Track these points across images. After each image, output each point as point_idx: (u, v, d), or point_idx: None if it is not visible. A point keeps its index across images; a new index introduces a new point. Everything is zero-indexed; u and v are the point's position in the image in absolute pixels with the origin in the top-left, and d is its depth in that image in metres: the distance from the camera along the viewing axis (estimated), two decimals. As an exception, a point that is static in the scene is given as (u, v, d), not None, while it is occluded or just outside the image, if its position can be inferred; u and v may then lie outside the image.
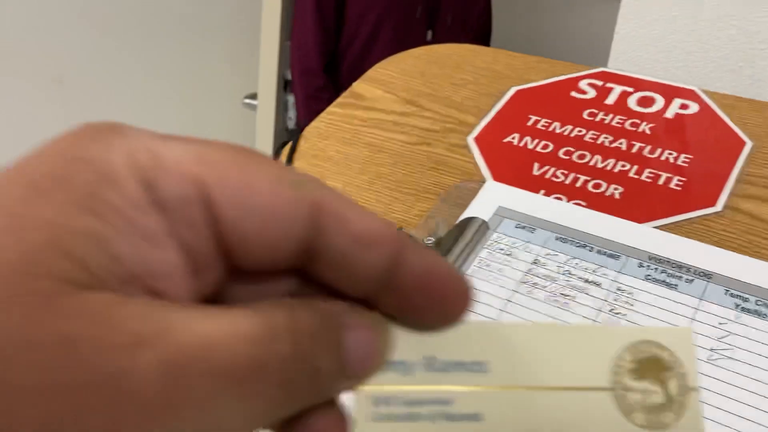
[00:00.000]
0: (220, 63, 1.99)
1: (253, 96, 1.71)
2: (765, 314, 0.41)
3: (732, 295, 0.42)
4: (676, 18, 0.79)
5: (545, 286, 0.44)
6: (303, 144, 0.60)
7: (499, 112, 0.61)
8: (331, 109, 0.64)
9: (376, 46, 1.51)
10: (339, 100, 0.65)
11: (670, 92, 0.60)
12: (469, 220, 0.49)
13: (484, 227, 0.48)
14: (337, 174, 0.57)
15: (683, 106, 0.59)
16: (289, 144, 0.60)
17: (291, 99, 1.65)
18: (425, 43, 1.54)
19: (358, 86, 0.67)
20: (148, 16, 1.89)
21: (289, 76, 1.57)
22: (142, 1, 1.85)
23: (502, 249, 0.47)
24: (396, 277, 0.18)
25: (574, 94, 0.62)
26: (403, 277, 0.18)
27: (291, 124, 1.62)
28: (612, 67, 0.82)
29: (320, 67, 1.49)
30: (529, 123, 0.59)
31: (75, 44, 1.79)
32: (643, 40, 0.82)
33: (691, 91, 0.60)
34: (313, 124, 0.63)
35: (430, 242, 0.47)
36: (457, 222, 0.49)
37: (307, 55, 1.48)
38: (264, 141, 1.62)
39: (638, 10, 0.82)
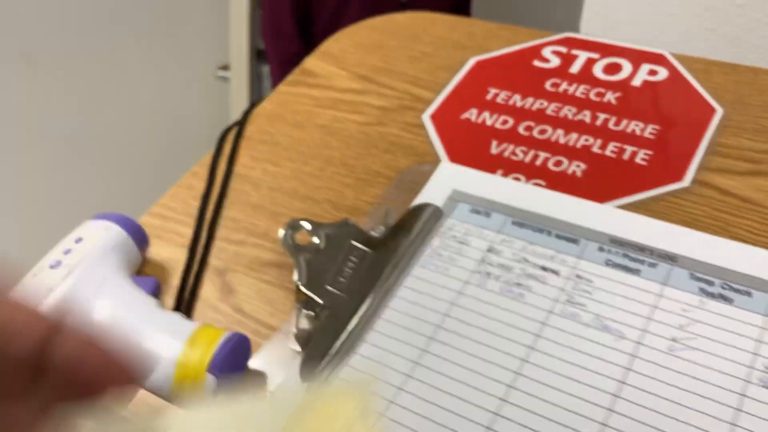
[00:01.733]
0: (191, 34, 1.95)
1: (226, 67, 1.68)
2: (731, 299, 0.39)
3: (697, 279, 0.40)
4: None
5: (499, 276, 0.42)
6: (250, 128, 0.58)
7: (456, 86, 0.58)
8: (281, 88, 0.61)
9: (349, 8, 1.47)
10: (289, 78, 0.62)
11: (638, 57, 0.57)
12: (421, 206, 0.46)
13: (437, 213, 0.46)
14: (286, 160, 0.54)
15: (652, 72, 0.56)
16: (234, 128, 0.57)
17: (266, 69, 1.61)
18: (399, 6, 1.50)
19: (309, 62, 0.64)
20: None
21: (262, 46, 1.53)
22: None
23: (455, 236, 0.45)
24: (47, 362, 0.19)
25: (536, 63, 0.59)
26: (55, 362, 0.19)
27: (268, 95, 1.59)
28: (584, 31, 0.79)
29: (295, 31, 1.44)
30: (488, 97, 0.56)
31: (43, 19, 1.74)
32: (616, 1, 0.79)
33: (661, 56, 0.57)
34: (262, 105, 0.60)
35: (379, 232, 0.45)
36: (409, 209, 0.46)
37: (280, 17, 1.43)
38: (238, 113, 1.59)
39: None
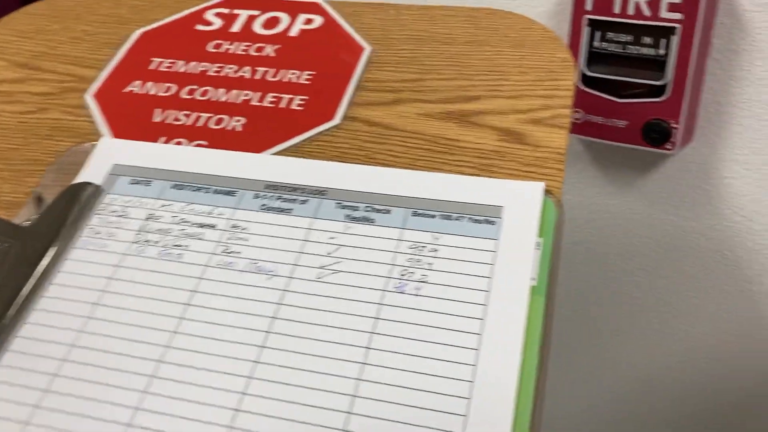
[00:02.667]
0: None
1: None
2: (372, 219, 0.41)
3: (343, 207, 0.42)
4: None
5: (158, 241, 0.42)
6: None
7: (120, 61, 0.56)
8: (-73, 90, 0.56)
9: None
10: (-63, 78, 0.57)
11: (294, 9, 0.59)
12: (76, 187, 0.44)
13: (94, 192, 0.44)
14: (-64, 165, 0.50)
15: (307, 21, 0.57)
16: None
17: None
18: None
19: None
20: None
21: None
22: None
23: (114, 211, 0.44)
24: None
25: (199, 27, 0.58)
26: None
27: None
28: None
29: None
30: (152, 67, 0.55)
31: None
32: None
33: (316, 4, 0.59)
34: None
35: (29, 221, 0.42)
36: (61, 192, 0.44)
37: None
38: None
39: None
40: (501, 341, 0.35)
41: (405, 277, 0.39)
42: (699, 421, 0.83)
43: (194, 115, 0.51)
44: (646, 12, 0.57)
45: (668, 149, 0.61)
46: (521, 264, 0.38)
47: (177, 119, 0.50)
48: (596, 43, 0.60)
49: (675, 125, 0.59)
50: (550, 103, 0.48)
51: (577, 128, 0.65)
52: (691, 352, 0.78)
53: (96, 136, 0.50)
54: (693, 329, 0.76)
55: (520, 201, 0.41)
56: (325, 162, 0.45)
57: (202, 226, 0.42)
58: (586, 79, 0.62)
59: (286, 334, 0.37)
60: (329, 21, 0.57)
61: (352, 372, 0.35)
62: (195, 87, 0.53)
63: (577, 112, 0.64)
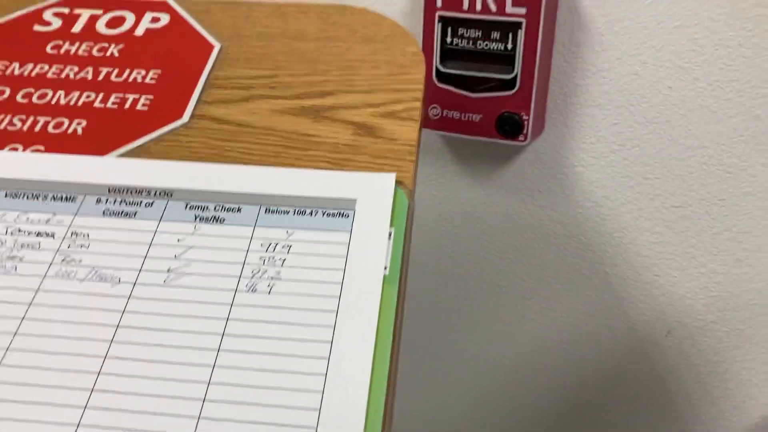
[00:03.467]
0: None
1: None
2: (223, 219, 0.40)
3: (192, 207, 0.41)
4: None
5: (-9, 255, 0.38)
6: None
7: (-53, 65, 0.52)
8: None
9: None
10: None
11: (141, 8, 0.56)
12: None
13: None
14: None
15: (154, 20, 0.55)
16: None
17: None
18: None
19: None
20: None
21: None
22: None
23: (-60, 224, 0.40)
24: None
25: (37, 27, 0.55)
26: None
27: None
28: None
29: None
30: (-16, 70, 0.51)
31: None
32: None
33: (164, 3, 0.57)
34: None
35: None
36: None
37: None
38: None
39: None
40: (354, 332, 0.34)
41: (257, 276, 0.37)
42: (566, 403, 0.86)
43: (31, 119, 0.47)
44: (493, 8, 0.58)
45: (521, 141, 0.63)
46: (374, 254, 0.38)
47: (12, 124, 0.47)
48: (448, 40, 0.61)
49: (526, 117, 0.61)
50: (402, 96, 0.48)
51: (434, 124, 0.65)
52: (555, 335, 0.81)
53: None
54: (556, 313, 0.79)
55: (373, 193, 0.41)
56: (171, 162, 0.43)
57: (39, 234, 0.39)
58: (440, 75, 0.63)
59: (131, 342, 0.35)
60: (177, 19, 0.55)
61: (202, 376, 0.33)
62: (32, 90, 0.49)
63: (434, 108, 0.64)
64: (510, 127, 0.61)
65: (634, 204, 0.69)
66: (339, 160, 0.44)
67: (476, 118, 0.62)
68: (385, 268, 0.37)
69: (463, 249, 0.77)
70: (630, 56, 0.62)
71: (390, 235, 0.38)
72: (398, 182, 0.41)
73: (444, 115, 0.64)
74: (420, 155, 0.73)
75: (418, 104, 0.47)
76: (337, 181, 0.42)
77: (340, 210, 0.40)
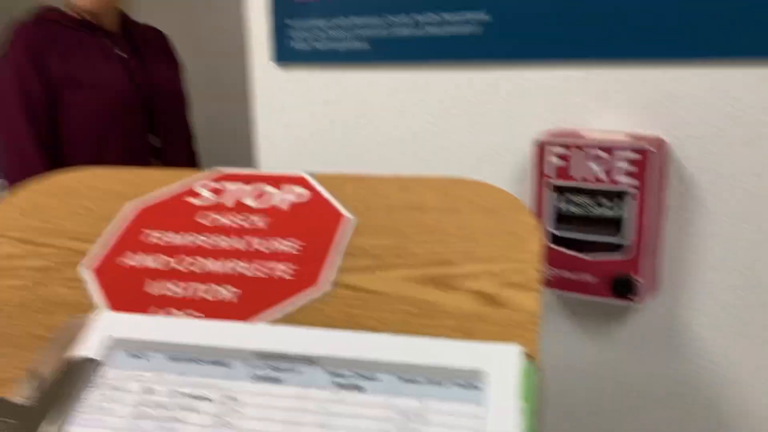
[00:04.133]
0: None
1: None
2: (360, 386, 0.43)
3: (331, 374, 0.44)
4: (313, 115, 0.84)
5: (154, 415, 0.42)
6: None
7: (115, 235, 0.59)
8: (-71, 268, 0.58)
9: (105, 158, 1.50)
10: (-60, 256, 0.59)
11: (281, 182, 0.63)
12: (75, 362, 0.46)
13: (93, 366, 0.45)
14: (-66, 342, 0.50)
15: (293, 194, 0.61)
16: None
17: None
18: (150, 147, 1.55)
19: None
20: None
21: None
22: None
23: (112, 385, 0.45)
24: None
25: (190, 199, 0.62)
26: None
27: None
28: (263, 166, 0.85)
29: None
30: (145, 239, 0.57)
31: None
32: (285, 139, 0.86)
33: (301, 178, 0.63)
34: None
35: (27, 399, 0.43)
36: (60, 368, 0.45)
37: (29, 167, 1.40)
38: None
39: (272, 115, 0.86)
40: (491, 507, 0.36)
41: (395, 444, 0.39)
42: None
43: (186, 285, 0.53)
44: (603, 177, 0.61)
45: (634, 301, 0.64)
46: (506, 427, 0.39)
47: (170, 290, 0.52)
48: (560, 206, 0.64)
49: (639, 279, 0.63)
50: (522, 266, 0.51)
51: (548, 283, 0.68)
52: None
53: (93, 308, 0.52)
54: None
55: (502, 365, 0.43)
56: (313, 329, 0.47)
57: (197, 398, 0.43)
58: (554, 238, 0.66)
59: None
60: (314, 193, 0.61)
61: None
62: (186, 258, 0.55)
63: (548, 268, 0.67)
64: (623, 288, 0.63)
65: (750, 361, 0.67)
66: (465, 328, 0.47)
67: (590, 278, 0.64)
68: (518, 442, 0.38)
69: (575, 405, 0.77)
70: (741, 221, 0.63)
71: (521, 410, 0.40)
72: (526, 355, 0.43)
73: (558, 275, 0.66)
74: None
75: (538, 274, 0.50)
76: (466, 351, 0.44)
77: (471, 381, 0.42)
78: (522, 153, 0.71)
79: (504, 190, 0.58)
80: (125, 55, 1.62)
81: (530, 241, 0.53)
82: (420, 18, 0.73)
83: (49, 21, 1.50)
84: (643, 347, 0.71)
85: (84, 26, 1.55)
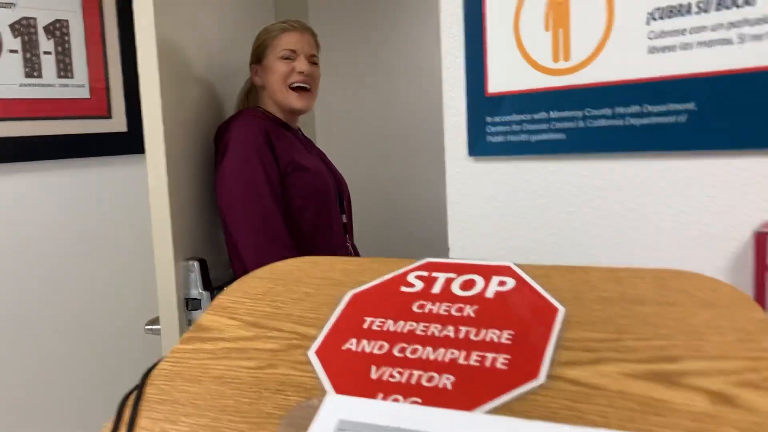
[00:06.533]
0: (116, 293, 1.96)
1: (155, 321, 1.67)
2: (592, 485, 0.41)
3: (560, 470, 0.42)
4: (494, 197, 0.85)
5: (386, 500, 0.43)
6: (149, 390, 0.58)
7: (336, 320, 0.61)
8: (177, 347, 0.63)
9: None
10: (184, 336, 0.64)
11: (488, 271, 0.63)
12: (309, 442, 0.47)
13: (324, 446, 0.47)
14: (183, 416, 0.55)
15: (501, 283, 0.61)
16: (133, 393, 0.58)
17: (195, 315, 1.61)
18: (341, 225, 1.68)
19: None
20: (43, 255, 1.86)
21: (193, 295, 1.55)
22: (37, 239, 1.84)
23: (343, 466, 0.46)
24: None
25: (404, 288, 0.63)
26: None
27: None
28: (453, 255, 0.86)
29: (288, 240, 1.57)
30: (365, 325, 0.60)
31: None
32: (474, 224, 0.87)
33: (508, 267, 0.63)
34: (160, 365, 0.61)
35: (270, 475, 0.45)
36: (297, 447, 0.47)
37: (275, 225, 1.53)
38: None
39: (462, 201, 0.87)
40: None
41: None
42: None
43: (407, 372, 0.54)
44: (835, 269, 0.56)
45: None
46: None
47: (392, 376, 0.54)
48: (784, 298, 0.59)
49: None
50: (758, 365, 0.47)
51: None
52: None
53: (319, 390, 0.54)
54: None
55: (746, 471, 0.39)
56: (536, 422, 0.46)
57: (426, 485, 0.43)
58: (776, 333, 0.60)
59: None
60: (521, 282, 0.61)
61: None
62: (405, 345, 0.56)
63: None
64: None
65: None
66: (698, 429, 0.44)
67: (822, 379, 0.58)
68: None
69: None
70: None
71: None
72: (771, 460, 0.40)
73: (781, 373, 0.60)
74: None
75: (774, 374, 0.46)
76: (704, 454, 0.41)
77: (713, 486, 0.39)
78: (736, 243, 0.67)
79: (726, 284, 0.55)
80: (313, 149, 1.78)
81: (764, 340, 0.49)
82: (622, 110, 0.73)
83: (257, 117, 1.65)
84: None
85: (279, 123, 1.70)
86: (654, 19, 0.68)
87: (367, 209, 2.44)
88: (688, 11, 0.66)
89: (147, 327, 1.63)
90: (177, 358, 0.62)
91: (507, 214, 0.85)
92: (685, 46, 0.67)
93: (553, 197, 0.81)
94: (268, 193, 1.53)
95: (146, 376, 0.60)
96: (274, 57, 1.68)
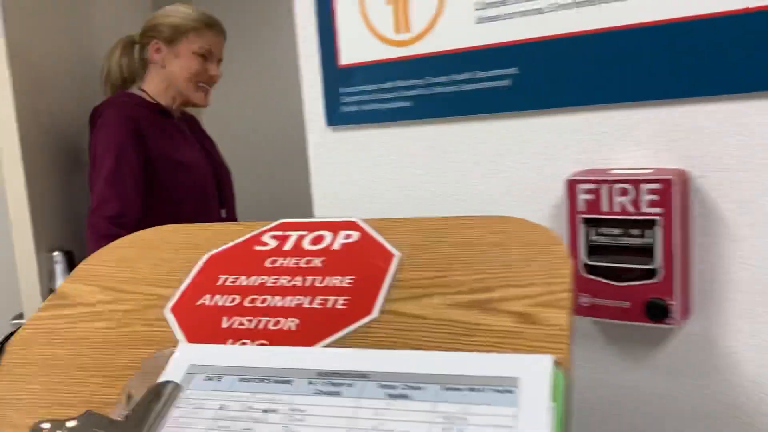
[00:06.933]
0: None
1: (20, 315, 1.63)
2: (409, 396, 0.47)
3: (383, 387, 0.48)
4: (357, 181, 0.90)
5: (229, 427, 0.47)
6: (7, 357, 0.60)
7: (192, 280, 0.65)
8: (35, 314, 0.65)
9: (182, 215, 1.60)
10: (43, 304, 0.66)
11: (336, 227, 0.68)
12: (160, 385, 0.51)
13: (175, 389, 0.51)
14: (41, 376, 0.57)
15: (347, 236, 0.66)
16: (-10, 359, 0.59)
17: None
18: (221, 219, 1.67)
19: (62, 286, 0.68)
20: None
21: (56, 285, 1.52)
22: None
23: (192, 403, 0.49)
24: None
25: (257, 247, 0.67)
26: None
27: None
28: (317, 215, 0.91)
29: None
30: (219, 283, 0.63)
31: None
32: (337, 193, 0.92)
33: (353, 222, 0.68)
34: (18, 334, 0.63)
35: (122, 416, 0.48)
36: (148, 390, 0.50)
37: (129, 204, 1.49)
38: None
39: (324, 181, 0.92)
40: (526, 493, 0.39)
41: (440, 444, 0.43)
42: None
43: (256, 319, 0.58)
44: (630, 208, 0.65)
45: (669, 324, 0.66)
46: (538, 426, 0.42)
47: (242, 324, 0.58)
48: (592, 237, 0.68)
49: (671, 302, 0.65)
50: (553, 289, 0.54)
51: (586, 311, 0.70)
52: None
53: (173, 343, 0.58)
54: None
55: (534, 373, 0.46)
56: (366, 350, 0.51)
57: (266, 411, 0.48)
58: (588, 268, 0.69)
59: (340, 500, 0.41)
60: (365, 235, 0.66)
61: None
62: (255, 296, 0.60)
63: (585, 296, 0.70)
64: (657, 312, 0.65)
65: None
66: (503, 344, 0.50)
67: (625, 304, 0.67)
68: (550, 437, 0.41)
69: (618, 426, 0.78)
70: (763, 246, 0.65)
71: (551, 409, 0.43)
72: (556, 363, 0.46)
73: (594, 303, 0.69)
74: (575, 340, 0.77)
75: (567, 295, 0.53)
76: (503, 362, 0.47)
77: (507, 387, 0.46)
78: (557, 193, 0.75)
79: (540, 225, 0.62)
80: (193, 137, 1.76)
81: (562, 268, 0.56)
82: (456, 77, 0.79)
83: (133, 105, 1.63)
84: (681, 368, 0.72)
85: (158, 111, 1.68)
86: (480, -8, 0.75)
87: (246, 197, 2.44)
88: (507, -16, 0.73)
89: (13, 321, 1.59)
90: (35, 326, 0.63)
91: (366, 179, 0.90)
92: (507, 16, 0.74)
93: (406, 161, 0.87)
94: (132, 184, 1.51)
95: (2, 344, 0.61)
96: (190, 50, 1.65)
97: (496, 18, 0.74)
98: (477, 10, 0.76)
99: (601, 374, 0.77)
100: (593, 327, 0.75)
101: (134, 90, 1.69)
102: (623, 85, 0.68)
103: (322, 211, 0.94)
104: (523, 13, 0.73)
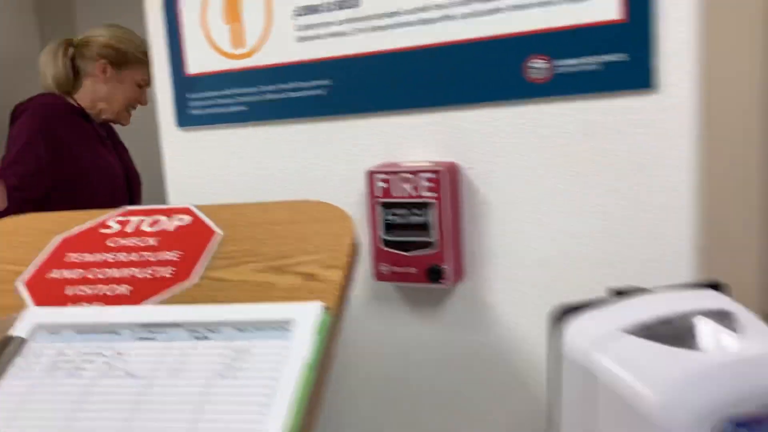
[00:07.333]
0: None
1: None
2: (210, 337, 0.60)
3: (191, 331, 0.61)
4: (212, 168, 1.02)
5: (65, 367, 0.59)
6: None
7: (45, 259, 0.75)
8: None
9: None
10: None
11: (172, 212, 0.80)
12: (7, 338, 0.62)
13: (21, 342, 0.62)
14: None
15: (180, 219, 0.79)
16: None
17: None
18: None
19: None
20: None
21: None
22: None
23: (35, 353, 0.61)
24: None
25: (102, 230, 0.79)
26: None
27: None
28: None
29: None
30: (67, 260, 0.74)
31: None
32: (193, 186, 1.04)
33: (187, 208, 0.81)
34: None
35: (-26, 365, 0.59)
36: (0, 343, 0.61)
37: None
38: None
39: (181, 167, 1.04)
40: (280, 401, 0.53)
41: (231, 366, 0.56)
42: None
43: (95, 287, 0.69)
44: (413, 194, 0.80)
45: (445, 285, 0.82)
46: (302, 350, 0.57)
47: (82, 290, 0.69)
48: (387, 217, 0.83)
49: (445, 267, 0.81)
50: (336, 254, 0.69)
51: (385, 277, 0.86)
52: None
53: (23, 308, 0.68)
54: (490, 416, 0.93)
55: (305, 315, 0.60)
56: (179, 305, 0.64)
57: (95, 354, 0.60)
58: (386, 242, 0.84)
59: (149, 410, 0.53)
60: (195, 218, 0.79)
61: (188, 425, 0.52)
62: (96, 270, 0.72)
63: (383, 266, 0.85)
64: (435, 275, 0.81)
65: (539, 326, 0.85)
66: (292, 297, 0.64)
67: (412, 270, 0.82)
68: (308, 359, 0.56)
69: (406, 372, 0.94)
70: (516, 221, 0.83)
71: (314, 336, 0.57)
72: (327, 308, 0.61)
73: (392, 270, 0.84)
74: (374, 301, 0.93)
75: (346, 258, 0.68)
76: (283, 309, 0.61)
77: (284, 326, 0.60)
78: (360, 181, 0.90)
79: (335, 206, 0.76)
80: (109, 142, 1.84)
81: (345, 237, 0.71)
82: (283, 86, 0.92)
83: (55, 104, 1.68)
84: (456, 323, 0.89)
85: (81, 114, 1.74)
86: (299, 15, 0.89)
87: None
88: (318, 10, 0.87)
89: None
90: None
91: (210, 171, 1.03)
92: (321, 37, 0.88)
93: (243, 155, 1.00)
94: (33, 171, 1.57)
95: None
96: (133, 79, 1.74)
97: (313, 38, 0.89)
98: (297, 31, 0.90)
99: (394, 328, 0.93)
100: (394, 291, 0.91)
101: (61, 93, 1.75)
102: (408, 95, 0.83)
103: (175, 200, 1.06)
104: (333, 35, 0.87)
